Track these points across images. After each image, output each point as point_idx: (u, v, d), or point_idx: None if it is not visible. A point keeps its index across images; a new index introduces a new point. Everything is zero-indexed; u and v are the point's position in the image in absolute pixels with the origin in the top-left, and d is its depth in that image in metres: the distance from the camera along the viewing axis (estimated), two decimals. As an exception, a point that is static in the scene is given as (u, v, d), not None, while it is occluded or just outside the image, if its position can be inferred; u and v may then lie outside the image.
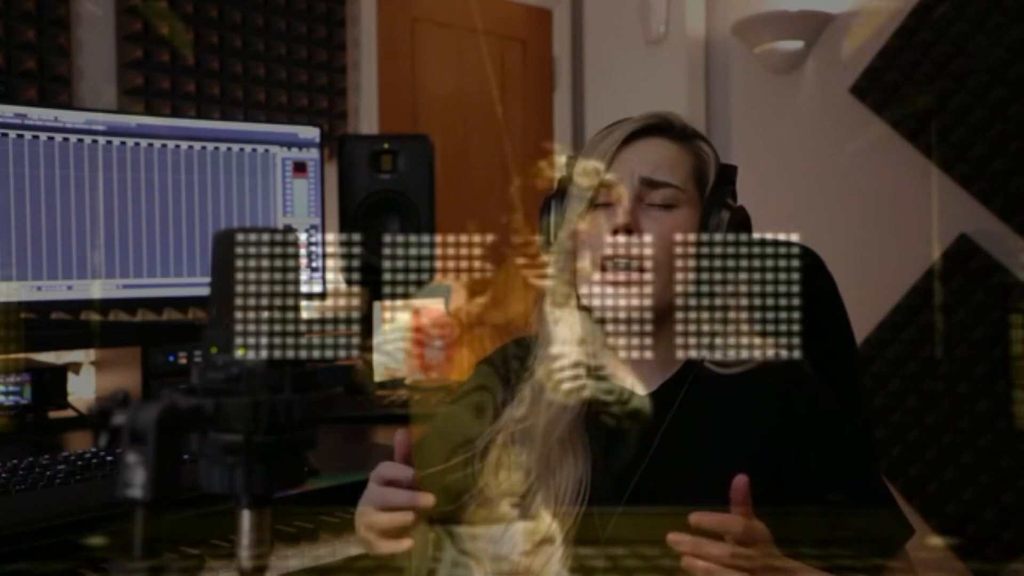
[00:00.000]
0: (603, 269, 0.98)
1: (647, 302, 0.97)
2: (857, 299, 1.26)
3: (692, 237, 0.98)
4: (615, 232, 0.97)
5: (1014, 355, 2.27)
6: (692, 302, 0.99)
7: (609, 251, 0.97)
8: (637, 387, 1.02)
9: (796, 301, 0.90)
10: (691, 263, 0.97)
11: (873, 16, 2.49)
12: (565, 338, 1.02)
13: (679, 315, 1.00)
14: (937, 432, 2.40)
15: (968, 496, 2.37)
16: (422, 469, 1.00)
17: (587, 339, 1.01)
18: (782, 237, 0.97)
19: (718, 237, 0.97)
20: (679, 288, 0.97)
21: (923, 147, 2.41)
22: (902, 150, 2.46)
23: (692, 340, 1.01)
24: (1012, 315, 2.28)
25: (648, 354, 1.01)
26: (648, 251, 0.96)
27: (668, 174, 1.00)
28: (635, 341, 1.00)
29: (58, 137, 1.57)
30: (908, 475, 2.44)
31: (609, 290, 0.97)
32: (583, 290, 1.00)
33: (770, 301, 0.92)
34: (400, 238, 0.95)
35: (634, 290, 0.96)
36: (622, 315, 0.98)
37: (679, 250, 0.97)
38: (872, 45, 2.49)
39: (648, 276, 0.96)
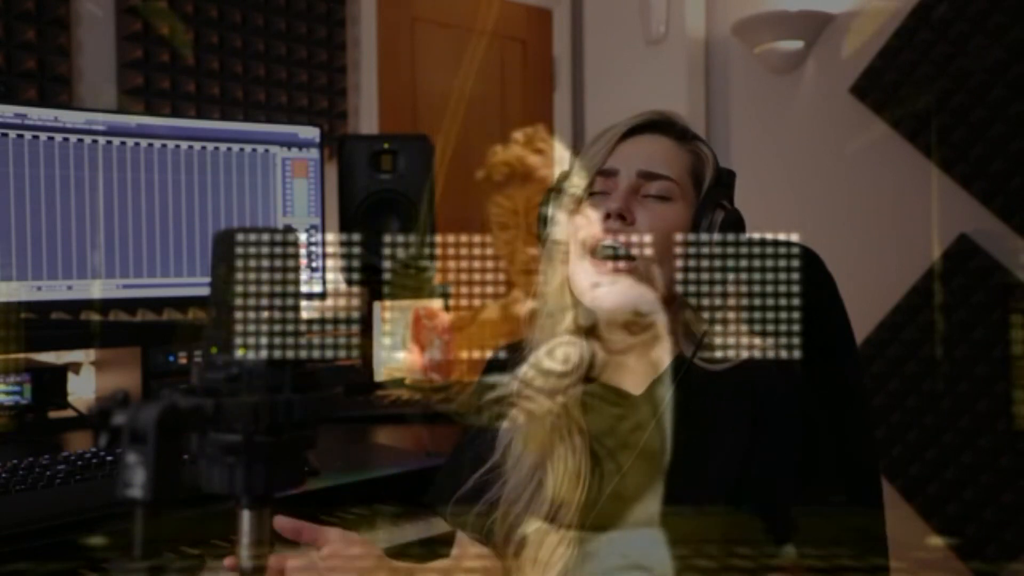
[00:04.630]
0: (593, 254, 0.98)
1: (637, 291, 0.96)
2: (857, 299, 1.26)
3: (684, 232, 0.98)
4: (608, 217, 0.97)
5: (1014, 355, 2.27)
6: (682, 298, 0.99)
7: (601, 234, 0.97)
8: (628, 383, 1.02)
9: (795, 301, 0.90)
10: (681, 259, 0.97)
11: (873, 16, 2.49)
12: (557, 333, 1.02)
13: (670, 311, 1.00)
14: (937, 432, 2.40)
15: (968, 496, 2.37)
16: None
17: (579, 332, 1.01)
18: (782, 237, 0.97)
19: (710, 235, 0.97)
20: (670, 282, 0.98)
21: (923, 147, 2.41)
22: (902, 150, 2.46)
23: (683, 337, 1.01)
24: (1012, 315, 2.28)
25: (640, 349, 1.01)
26: (639, 238, 0.96)
27: (665, 167, 1.00)
28: (627, 334, 1.01)
29: (58, 137, 1.57)
30: (908, 475, 2.44)
31: (603, 278, 0.97)
32: (574, 278, 1.00)
33: (769, 301, 0.92)
34: (400, 238, 0.95)
35: (624, 279, 0.96)
36: (613, 303, 0.98)
37: (671, 244, 0.97)
38: (872, 45, 2.49)
39: (639, 265, 0.96)
